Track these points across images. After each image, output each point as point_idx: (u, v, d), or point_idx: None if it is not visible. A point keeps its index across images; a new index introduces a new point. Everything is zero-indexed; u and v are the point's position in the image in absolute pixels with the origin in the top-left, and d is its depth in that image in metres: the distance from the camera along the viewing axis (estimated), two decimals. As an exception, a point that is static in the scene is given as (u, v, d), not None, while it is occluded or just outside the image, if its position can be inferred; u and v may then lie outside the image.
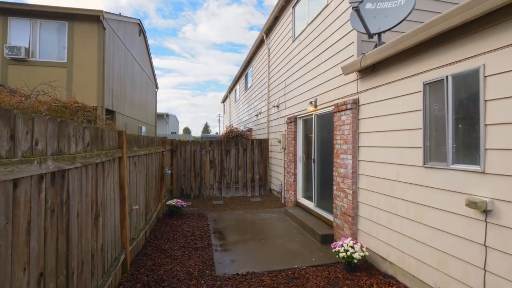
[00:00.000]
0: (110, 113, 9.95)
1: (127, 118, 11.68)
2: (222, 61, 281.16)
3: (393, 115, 3.60)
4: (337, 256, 3.90)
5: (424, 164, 3.10)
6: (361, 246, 3.84)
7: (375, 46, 3.92)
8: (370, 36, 3.76)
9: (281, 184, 8.04)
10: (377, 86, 3.90)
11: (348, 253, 3.75)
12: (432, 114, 3.04)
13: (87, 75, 8.58)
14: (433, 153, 3.03)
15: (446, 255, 2.83)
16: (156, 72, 18.90)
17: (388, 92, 3.68)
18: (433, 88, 3.03)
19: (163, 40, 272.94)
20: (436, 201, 2.95)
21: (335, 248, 3.95)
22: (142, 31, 14.44)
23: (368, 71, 4.00)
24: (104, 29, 8.73)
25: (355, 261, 3.71)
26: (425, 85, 3.11)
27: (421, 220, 3.14)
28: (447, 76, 2.82)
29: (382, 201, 3.77)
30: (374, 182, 3.94)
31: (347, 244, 3.85)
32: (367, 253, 3.80)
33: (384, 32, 3.80)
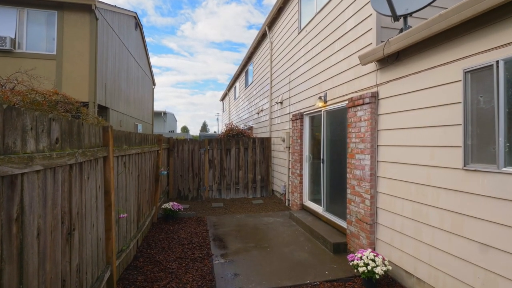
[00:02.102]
0: (104, 109, 9.42)
1: (121, 115, 11.14)
2: (221, 60, 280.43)
3: (422, 110, 3.12)
4: (355, 270, 3.43)
5: (464, 166, 2.62)
6: (383, 259, 3.37)
7: (400, 31, 3.43)
8: (396, 18, 3.28)
9: (285, 186, 7.56)
10: (401, 77, 3.42)
11: (369, 268, 3.27)
12: (475, 107, 2.56)
13: (78, 69, 8.04)
14: (476, 154, 2.55)
15: (496, 275, 2.35)
16: (154, 70, 18.39)
17: (416, 83, 3.20)
18: (477, 76, 2.56)
19: (161, 38, 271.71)
20: (481, 211, 2.48)
21: (353, 261, 3.47)
22: (138, 25, 13.88)
23: (391, 59, 3.52)
24: (97, 19, 8.19)
25: (377, 276, 3.23)
26: (465, 73, 2.63)
27: (461, 233, 2.66)
28: (497, 61, 2.34)
29: (408, 208, 3.29)
30: (397, 186, 3.47)
31: (367, 257, 3.37)
32: (389, 267, 3.33)
33: (410, 14, 3.31)
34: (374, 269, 3.26)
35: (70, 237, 2.00)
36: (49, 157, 1.65)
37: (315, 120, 6.05)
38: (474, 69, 2.55)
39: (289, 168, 7.32)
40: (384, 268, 3.27)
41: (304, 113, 6.33)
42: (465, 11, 2.44)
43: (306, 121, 6.36)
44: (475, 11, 2.38)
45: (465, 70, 2.63)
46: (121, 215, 3.10)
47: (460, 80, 2.68)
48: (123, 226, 3.48)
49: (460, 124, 2.67)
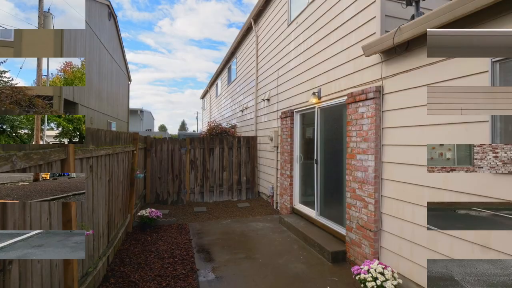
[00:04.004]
0: (72, 105, 8.48)
1: (92, 111, 10.17)
2: (200, 58, 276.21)
3: (437, 105, 2.79)
4: (362, 285, 3.06)
5: (491, 168, 2.31)
6: (392, 272, 3.02)
7: (412, 18, 3.11)
8: (409, 3, 2.95)
9: (273, 187, 7.13)
10: (412, 69, 3.09)
11: (378, 282, 2.91)
12: (506, 102, 2.25)
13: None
14: (507, 154, 2.25)
15: (534, 295, 2.05)
16: (130, 67, 17.30)
17: (430, 76, 2.87)
18: (507, 66, 2.25)
19: (137, 34, 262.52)
20: (514, 220, 2.18)
21: (359, 274, 3.10)
22: (112, 15, 12.85)
23: (401, 50, 3.18)
24: (62, 3, 7.28)
25: (387, 292, 2.88)
26: (493, 63, 2.32)
27: (487, 244, 2.35)
28: (535, 48, 2.04)
29: (419, 214, 2.97)
30: (406, 189, 3.14)
31: (375, 270, 3.01)
32: (400, 281, 2.99)
33: (424, -1, 2.99)
34: (383, 283, 2.90)
35: (3, 275, 1.41)
36: (-42, 163, 1.07)
37: (307, 117, 5.67)
38: (504, 58, 2.25)
39: (277, 169, 6.90)
40: (395, 282, 2.93)
41: (295, 110, 5.93)
42: (499, -10, 2.12)
43: (297, 119, 5.96)
44: (511, -10, 2.07)
45: (493, 60, 2.32)
46: (86, 233, 2.49)
47: (487, 71, 2.36)
48: (90, 243, 2.85)
49: (487, 121, 2.36)
